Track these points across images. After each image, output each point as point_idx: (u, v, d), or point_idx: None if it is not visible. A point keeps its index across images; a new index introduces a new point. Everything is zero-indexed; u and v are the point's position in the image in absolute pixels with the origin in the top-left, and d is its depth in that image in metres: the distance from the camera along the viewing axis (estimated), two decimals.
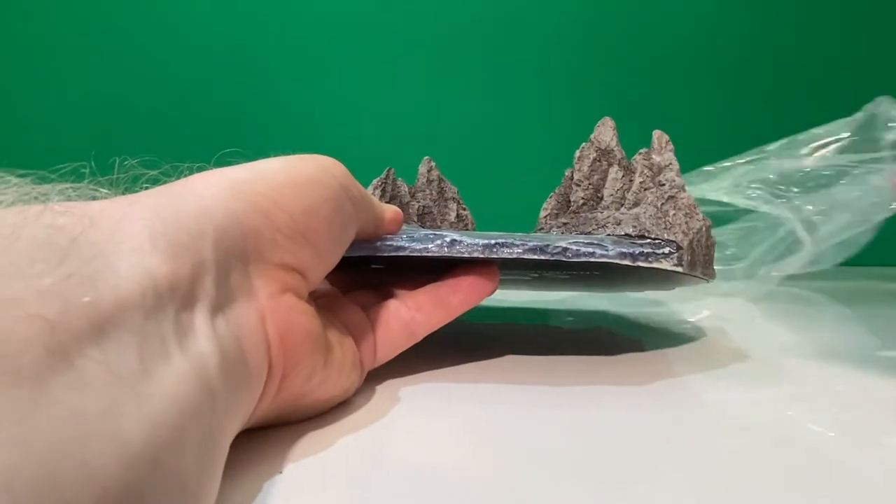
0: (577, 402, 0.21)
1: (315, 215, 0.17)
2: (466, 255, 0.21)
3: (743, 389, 0.22)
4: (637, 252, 0.21)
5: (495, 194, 0.74)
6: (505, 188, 0.76)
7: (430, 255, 0.21)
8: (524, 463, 0.16)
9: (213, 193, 0.15)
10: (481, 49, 0.79)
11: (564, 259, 0.21)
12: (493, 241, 0.21)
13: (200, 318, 0.13)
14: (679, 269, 0.22)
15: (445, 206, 0.37)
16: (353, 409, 0.20)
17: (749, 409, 0.20)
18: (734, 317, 0.39)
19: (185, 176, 0.16)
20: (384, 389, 0.22)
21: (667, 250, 0.22)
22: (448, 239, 0.21)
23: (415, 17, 0.78)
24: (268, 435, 0.17)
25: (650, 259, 0.22)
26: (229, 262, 0.15)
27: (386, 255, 0.21)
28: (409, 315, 0.22)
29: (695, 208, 0.23)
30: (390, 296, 0.23)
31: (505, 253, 0.21)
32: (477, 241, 0.21)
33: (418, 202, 0.36)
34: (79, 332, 0.10)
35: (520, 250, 0.21)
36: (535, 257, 0.21)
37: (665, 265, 0.22)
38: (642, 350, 0.29)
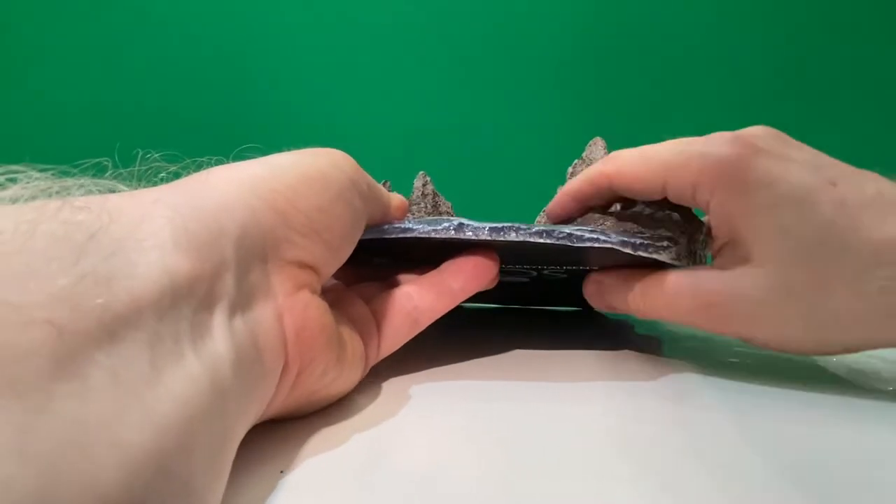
0: (583, 399, 0.21)
1: (328, 213, 0.18)
2: (473, 238, 0.21)
3: (752, 389, 0.22)
4: (638, 242, 0.22)
5: (488, 209, 0.75)
6: (498, 203, 0.77)
7: (437, 237, 0.21)
8: (530, 464, 0.16)
9: (233, 190, 0.15)
10: (477, 67, 0.80)
11: (569, 244, 0.21)
12: (500, 225, 0.21)
13: (218, 318, 0.13)
14: (677, 262, 0.22)
15: None
16: (358, 407, 0.20)
17: (757, 408, 0.20)
18: None
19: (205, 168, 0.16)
20: (389, 387, 0.22)
21: (665, 243, 0.22)
22: (456, 223, 0.21)
23: (414, 36, 0.80)
24: (270, 434, 0.17)
25: (650, 250, 0.22)
26: (249, 260, 0.15)
27: (393, 236, 0.22)
28: (412, 305, 0.22)
29: (691, 210, 0.24)
30: (392, 286, 0.23)
31: (512, 236, 0.21)
32: (484, 224, 0.21)
33: (413, 215, 0.37)
34: (87, 336, 0.10)
35: (525, 234, 0.21)
36: (541, 241, 0.21)
37: (664, 257, 0.22)
38: (642, 345, 0.28)
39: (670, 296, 0.22)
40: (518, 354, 0.27)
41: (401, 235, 0.22)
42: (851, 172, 0.20)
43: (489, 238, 0.21)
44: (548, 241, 0.21)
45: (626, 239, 0.22)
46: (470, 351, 0.27)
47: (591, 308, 0.40)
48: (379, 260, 0.25)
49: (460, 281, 0.22)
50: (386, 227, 0.22)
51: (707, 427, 0.19)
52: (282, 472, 0.15)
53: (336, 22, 0.80)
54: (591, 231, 0.21)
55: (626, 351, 0.28)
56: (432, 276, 0.23)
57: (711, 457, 0.16)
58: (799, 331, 0.20)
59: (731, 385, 0.23)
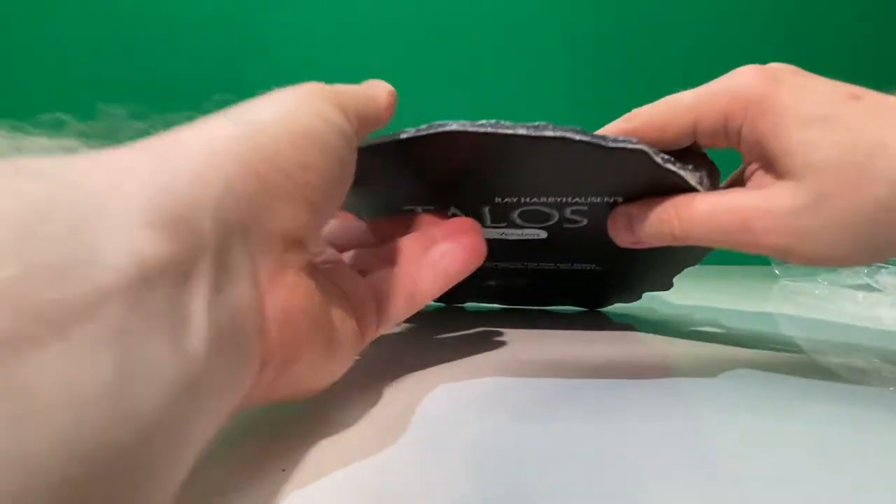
0: (586, 401, 0.21)
1: (312, 169, 0.16)
2: (510, 133, 0.21)
3: (752, 388, 0.22)
4: (665, 156, 0.22)
5: None
6: None
7: (474, 130, 0.21)
8: (536, 477, 0.15)
9: (206, 155, 0.14)
10: (481, 61, 0.80)
11: (602, 143, 0.21)
12: (536, 123, 0.21)
13: (196, 305, 0.12)
14: (700, 187, 0.23)
15: None
16: (362, 406, 0.19)
17: (757, 408, 0.20)
18: (749, 311, 0.39)
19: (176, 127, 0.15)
20: (391, 386, 0.21)
21: (690, 167, 0.23)
22: (493, 121, 0.21)
23: (418, 31, 0.79)
24: (271, 432, 0.17)
25: (677, 164, 0.22)
26: (228, 237, 0.13)
27: (424, 133, 0.21)
28: (412, 285, 0.21)
29: (706, 155, 0.24)
30: (391, 261, 0.22)
31: (549, 132, 0.21)
32: (520, 123, 0.22)
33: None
34: (34, 341, 0.08)
35: (562, 131, 0.21)
36: (577, 137, 0.21)
37: (689, 178, 0.22)
38: (646, 345, 0.28)
39: (706, 214, 0.22)
40: (519, 354, 0.27)
41: (436, 131, 0.21)
42: (872, 91, 0.21)
43: (525, 133, 0.21)
44: (584, 138, 0.21)
45: (654, 149, 0.22)
46: (473, 348, 0.27)
47: (593, 308, 0.40)
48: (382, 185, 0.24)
49: (457, 264, 0.22)
50: (419, 127, 0.22)
51: (708, 427, 0.18)
52: (283, 470, 0.15)
53: (339, 11, 0.78)
54: (623, 137, 0.22)
55: (630, 351, 0.28)
56: (429, 256, 0.22)
57: (713, 457, 0.16)
58: (834, 239, 0.21)
59: (732, 384, 0.23)
